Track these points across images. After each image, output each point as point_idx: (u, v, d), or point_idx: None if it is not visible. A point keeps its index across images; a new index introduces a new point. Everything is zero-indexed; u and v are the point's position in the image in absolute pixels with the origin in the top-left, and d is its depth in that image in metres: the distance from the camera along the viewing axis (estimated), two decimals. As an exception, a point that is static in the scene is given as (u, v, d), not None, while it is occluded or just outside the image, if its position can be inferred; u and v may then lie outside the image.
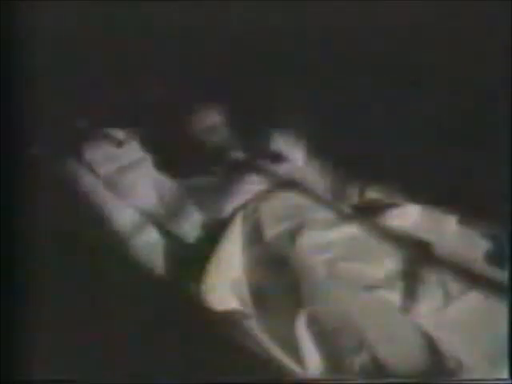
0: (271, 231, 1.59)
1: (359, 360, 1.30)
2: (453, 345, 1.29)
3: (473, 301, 1.40)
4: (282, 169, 1.91)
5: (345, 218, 1.66)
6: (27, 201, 1.61)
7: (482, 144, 1.76)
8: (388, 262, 1.51)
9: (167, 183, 1.84)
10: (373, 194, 1.79)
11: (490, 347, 1.31)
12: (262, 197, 1.72)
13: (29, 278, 1.55)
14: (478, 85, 1.87)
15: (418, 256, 1.51)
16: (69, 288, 1.68)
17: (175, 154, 1.97)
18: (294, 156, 1.96)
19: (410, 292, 1.42)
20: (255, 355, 1.36)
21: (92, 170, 1.86)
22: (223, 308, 1.47)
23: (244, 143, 1.99)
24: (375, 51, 2.10)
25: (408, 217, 1.65)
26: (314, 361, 1.34)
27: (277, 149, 1.97)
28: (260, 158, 1.94)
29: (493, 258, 1.53)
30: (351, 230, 1.60)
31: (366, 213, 1.69)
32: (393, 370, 1.28)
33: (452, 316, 1.38)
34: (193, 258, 1.59)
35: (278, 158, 1.94)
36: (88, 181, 1.83)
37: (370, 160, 1.84)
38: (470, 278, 1.44)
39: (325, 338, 1.36)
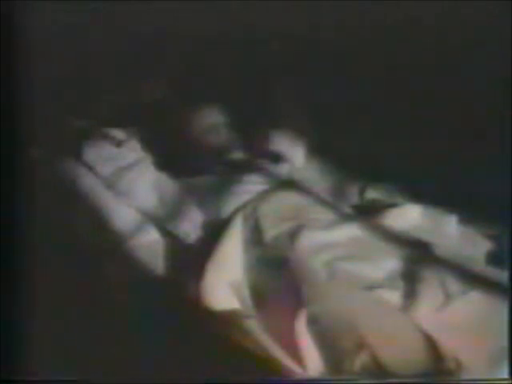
0: (271, 231, 1.59)
1: (359, 360, 1.30)
2: (453, 345, 1.29)
3: (473, 301, 1.40)
4: (281, 169, 1.91)
5: (345, 218, 1.66)
6: (27, 201, 1.61)
7: (482, 144, 1.76)
8: (388, 262, 1.51)
9: (167, 183, 1.84)
10: (373, 194, 1.79)
11: (490, 347, 1.31)
12: (261, 197, 1.72)
13: (29, 278, 1.55)
14: (478, 84, 1.87)
15: (418, 256, 1.51)
16: (69, 288, 1.68)
17: (175, 154, 1.97)
18: (294, 156, 1.96)
19: (410, 292, 1.42)
20: (255, 355, 1.36)
21: (92, 170, 1.86)
22: (223, 308, 1.46)
23: (244, 143, 1.99)
24: (375, 51, 2.10)
25: (408, 217, 1.65)
26: (314, 361, 1.34)
27: (277, 149, 1.97)
28: (260, 157, 1.94)
29: (493, 257, 1.53)
30: (351, 230, 1.60)
31: (366, 213, 1.69)
32: (393, 370, 1.28)
33: (452, 316, 1.37)
34: (193, 258, 1.59)
35: (277, 158, 1.94)
36: (88, 181, 1.83)
37: (370, 160, 1.84)
38: (470, 278, 1.44)
39: (325, 338, 1.36)
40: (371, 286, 1.44)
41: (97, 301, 1.65)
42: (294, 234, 1.56)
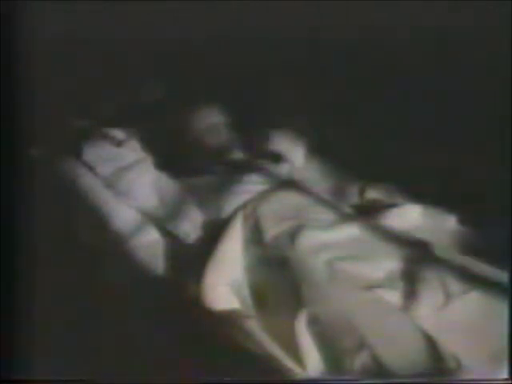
0: (271, 231, 1.59)
1: (359, 360, 1.30)
2: (453, 345, 1.29)
3: (473, 301, 1.40)
4: (281, 169, 1.91)
5: (345, 218, 1.66)
6: (27, 201, 1.62)
7: (482, 144, 1.76)
8: (388, 262, 1.50)
9: (167, 183, 1.84)
10: (373, 194, 1.79)
11: (490, 347, 1.31)
12: (262, 197, 1.72)
13: (29, 278, 1.55)
14: (478, 85, 1.87)
15: (418, 256, 1.51)
16: (69, 288, 1.68)
17: (175, 154, 1.97)
18: (294, 156, 1.96)
19: (410, 292, 1.42)
20: (255, 355, 1.36)
21: (92, 170, 1.86)
22: (223, 308, 1.47)
23: (244, 143, 1.99)
24: (375, 51, 2.10)
25: (408, 217, 1.65)
26: (314, 361, 1.34)
27: (277, 149, 1.97)
28: (260, 157, 1.94)
29: (493, 257, 1.53)
30: (351, 230, 1.60)
31: (366, 213, 1.69)
32: (393, 369, 1.28)
33: (452, 316, 1.37)
34: (193, 258, 1.59)
35: (277, 158, 1.94)
36: (88, 181, 1.83)
37: (369, 160, 1.84)
38: (470, 278, 1.44)
39: (325, 338, 1.36)
40: (371, 286, 1.43)
41: (97, 301, 1.65)
42: (294, 234, 1.56)
